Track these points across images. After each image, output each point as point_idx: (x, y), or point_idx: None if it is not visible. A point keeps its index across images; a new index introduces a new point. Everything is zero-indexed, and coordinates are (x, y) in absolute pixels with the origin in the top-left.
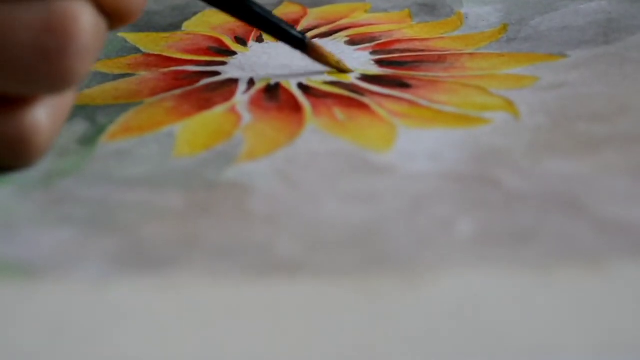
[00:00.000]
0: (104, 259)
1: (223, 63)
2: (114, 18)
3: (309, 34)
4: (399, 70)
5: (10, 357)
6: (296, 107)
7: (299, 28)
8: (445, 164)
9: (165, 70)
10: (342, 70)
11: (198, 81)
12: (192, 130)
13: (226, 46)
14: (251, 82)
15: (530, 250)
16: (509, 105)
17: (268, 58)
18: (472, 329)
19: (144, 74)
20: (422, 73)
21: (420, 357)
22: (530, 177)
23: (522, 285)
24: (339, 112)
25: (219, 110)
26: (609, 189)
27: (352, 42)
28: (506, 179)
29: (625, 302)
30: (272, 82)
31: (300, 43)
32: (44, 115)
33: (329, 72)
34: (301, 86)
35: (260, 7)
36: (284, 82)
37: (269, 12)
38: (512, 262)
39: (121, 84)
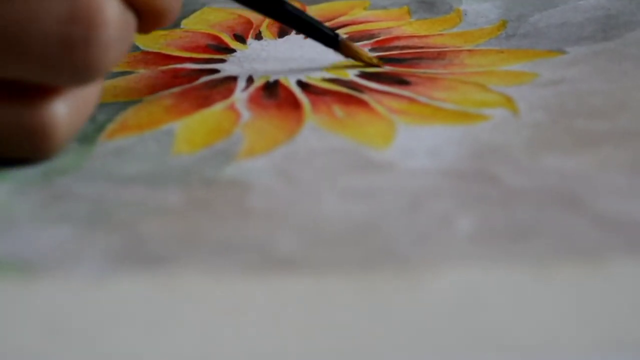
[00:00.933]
0: (103, 256)
1: (222, 60)
2: (145, 16)
3: None
4: (398, 67)
5: (9, 354)
6: (295, 104)
7: None
8: (444, 161)
9: (164, 68)
10: (375, 65)
11: (197, 79)
12: (191, 128)
13: (225, 44)
14: (250, 80)
15: (530, 246)
16: (508, 102)
17: (267, 55)
18: (471, 326)
19: (142, 71)
20: (421, 70)
21: (419, 353)
22: (529, 174)
23: (521, 282)
24: (338, 109)
25: (218, 107)
26: (608, 185)
27: (351, 39)
28: (505, 175)
29: (624, 299)
30: (271, 79)
31: (332, 41)
32: (64, 108)
33: (327, 69)
34: (300, 83)
35: (291, 5)
36: (283, 80)
37: (301, 11)
38: (511, 258)
39: (120, 81)
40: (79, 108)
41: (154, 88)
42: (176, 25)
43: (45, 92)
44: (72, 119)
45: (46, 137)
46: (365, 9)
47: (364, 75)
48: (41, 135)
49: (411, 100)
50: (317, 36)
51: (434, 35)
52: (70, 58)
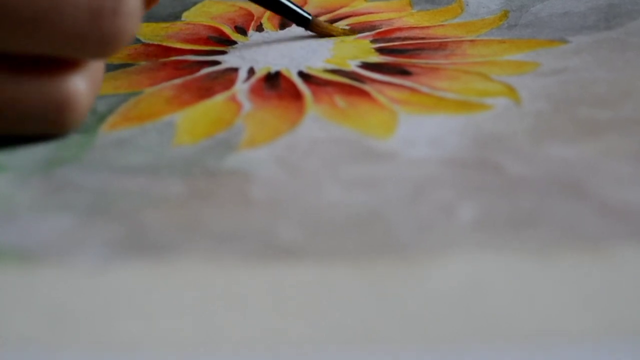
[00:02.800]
0: (104, 246)
1: (223, 52)
2: None
3: None
4: (399, 57)
5: (11, 343)
6: (297, 95)
7: None
8: (446, 150)
9: (165, 60)
10: (347, 34)
11: (198, 70)
12: (192, 119)
13: (226, 35)
14: (251, 71)
15: (533, 234)
16: (510, 91)
17: (268, 47)
18: (474, 314)
19: (143, 64)
20: (422, 60)
21: (422, 341)
22: (532, 162)
23: (524, 270)
24: (339, 100)
25: (219, 98)
26: (611, 173)
27: (352, 31)
28: (508, 164)
29: (627, 287)
30: (272, 70)
31: (304, 20)
32: (84, 82)
33: (329, 60)
34: (301, 74)
35: None
36: (284, 71)
37: None
38: (514, 246)
39: (121, 74)
40: (94, 83)
41: (155, 80)
42: (177, 17)
43: (66, 67)
44: (90, 93)
45: (70, 110)
46: (366, 0)
47: (365, 66)
48: (66, 108)
49: (413, 90)
50: (290, 16)
51: (435, 26)
52: (99, 29)
